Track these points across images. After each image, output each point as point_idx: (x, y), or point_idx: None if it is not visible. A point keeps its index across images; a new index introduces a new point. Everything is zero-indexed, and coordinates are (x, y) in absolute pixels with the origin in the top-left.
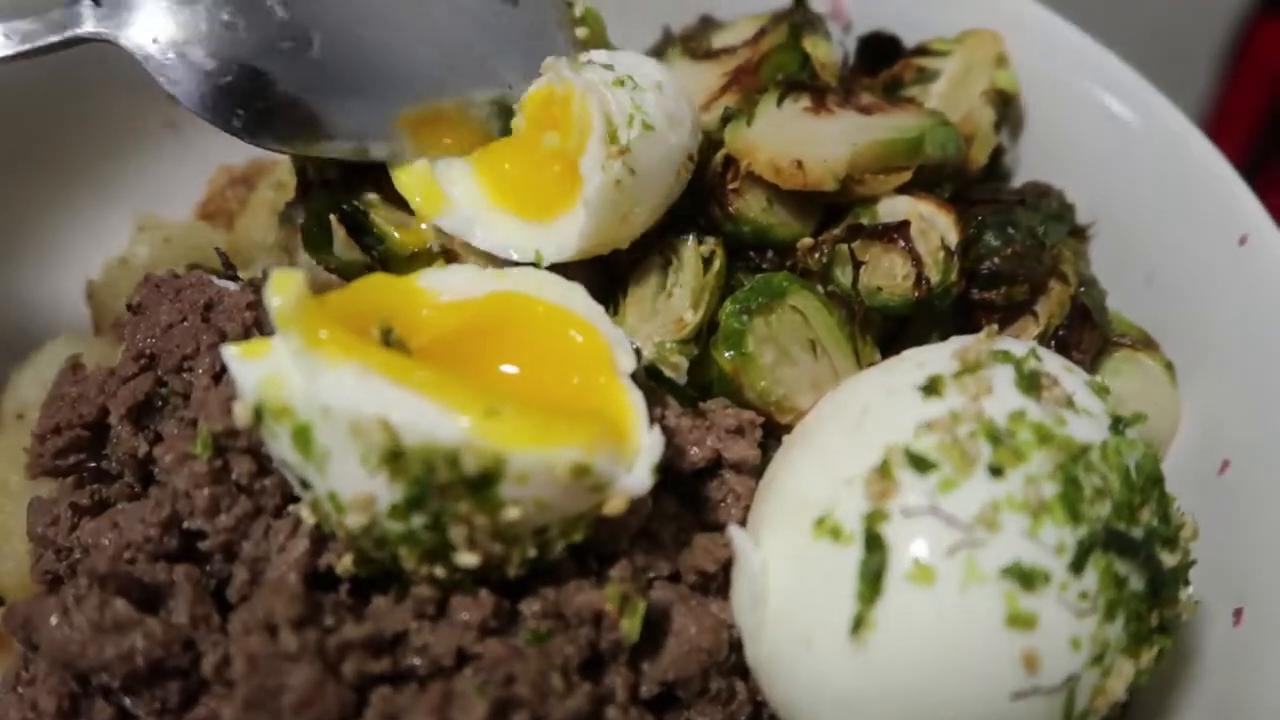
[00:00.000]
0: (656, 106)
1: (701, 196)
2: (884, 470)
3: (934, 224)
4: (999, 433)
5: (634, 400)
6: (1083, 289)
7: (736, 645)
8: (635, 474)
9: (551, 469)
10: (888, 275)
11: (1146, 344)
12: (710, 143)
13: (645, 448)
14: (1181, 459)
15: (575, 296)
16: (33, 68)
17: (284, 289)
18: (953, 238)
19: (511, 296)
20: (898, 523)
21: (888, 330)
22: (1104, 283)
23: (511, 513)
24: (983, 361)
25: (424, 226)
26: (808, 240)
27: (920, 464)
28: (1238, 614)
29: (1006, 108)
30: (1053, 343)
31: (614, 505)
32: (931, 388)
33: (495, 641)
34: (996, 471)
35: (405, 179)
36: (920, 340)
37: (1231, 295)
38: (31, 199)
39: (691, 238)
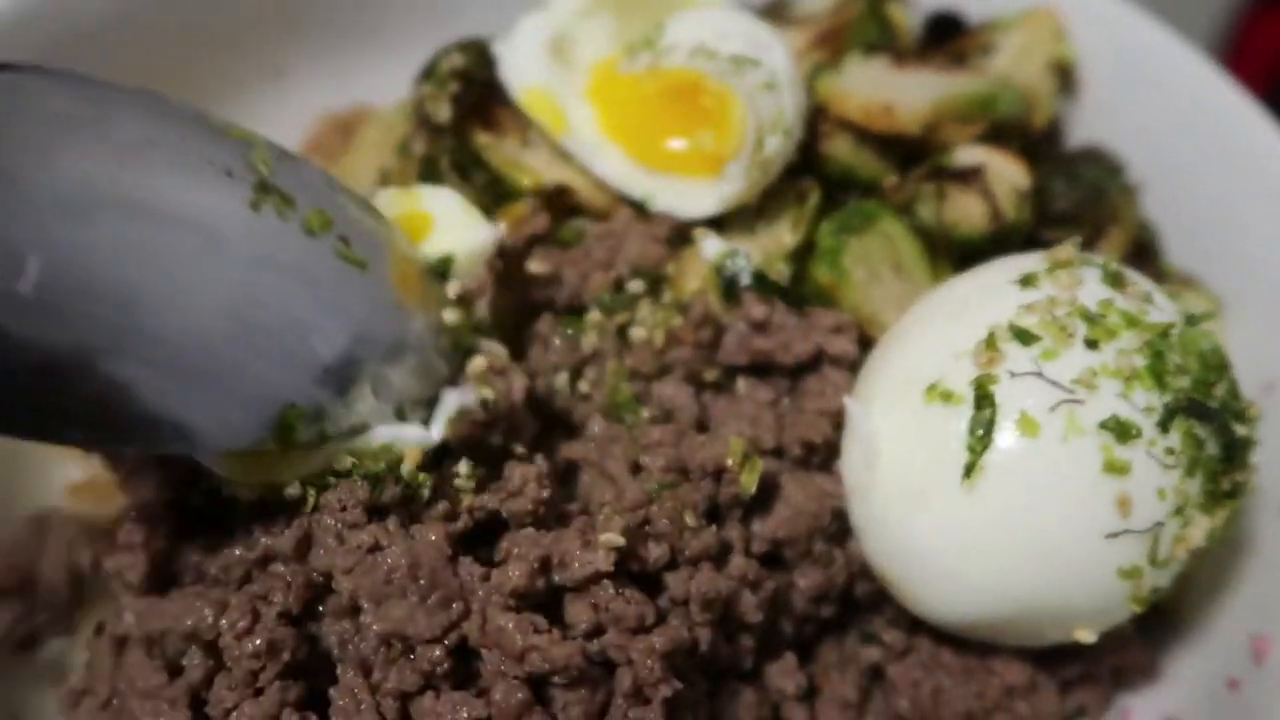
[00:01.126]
0: (793, 106)
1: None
2: (990, 343)
3: (1004, 173)
4: (1091, 315)
5: None
6: (1141, 230)
7: (838, 514)
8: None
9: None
10: (964, 212)
11: (1191, 284)
12: None
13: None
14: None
15: None
16: (140, 18)
17: None
18: (1024, 183)
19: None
20: (1005, 384)
21: (962, 267)
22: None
23: None
24: (1072, 261)
25: (533, 162)
26: (893, 179)
27: (1024, 337)
28: None
29: (1066, 77)
30: None
31: (411, 457)
32: (1028, 280)
33: (631, 482)
34: (1092, 344)
35: (531, 101)
36: None
37: (1271, 234)
38: None
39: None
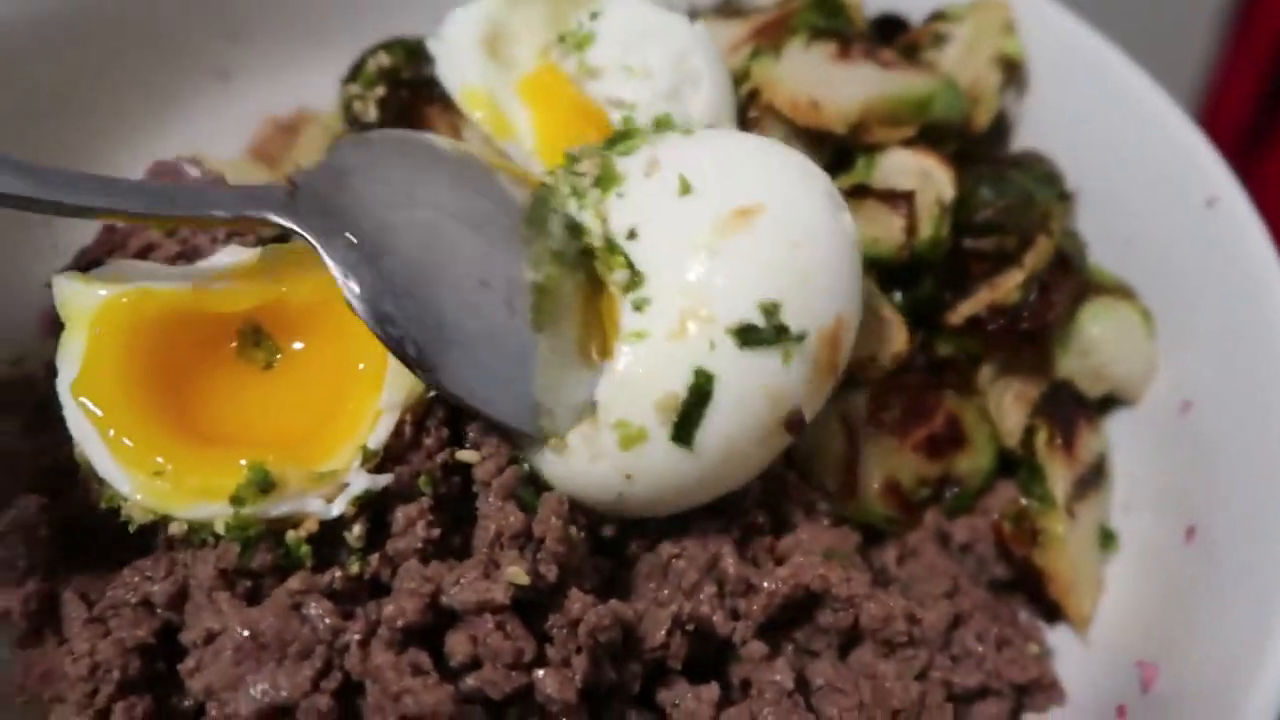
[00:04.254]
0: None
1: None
2: None
3: (933, 179)
4: None
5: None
6: (1065, 239)
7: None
8: (334, 503)
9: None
10: (886, 229)
11: (1125, 294)
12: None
13: (351, 482)
14: (1152, 400)
15: None
16: (86, 19)
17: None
18: (949, 194)
19: None
20: None
21: (888, 271)
22: (1087, 243)
23: None
24: None
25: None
26: None
27: None
28: (1190, 532)
29: (1011, 73)
30: (1036, 286)
31: (306, 526)
32: None
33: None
34: None
35: (471, 100)
36: (915, 282)
37: (1200, 251)
38: (80, 140)
39: None
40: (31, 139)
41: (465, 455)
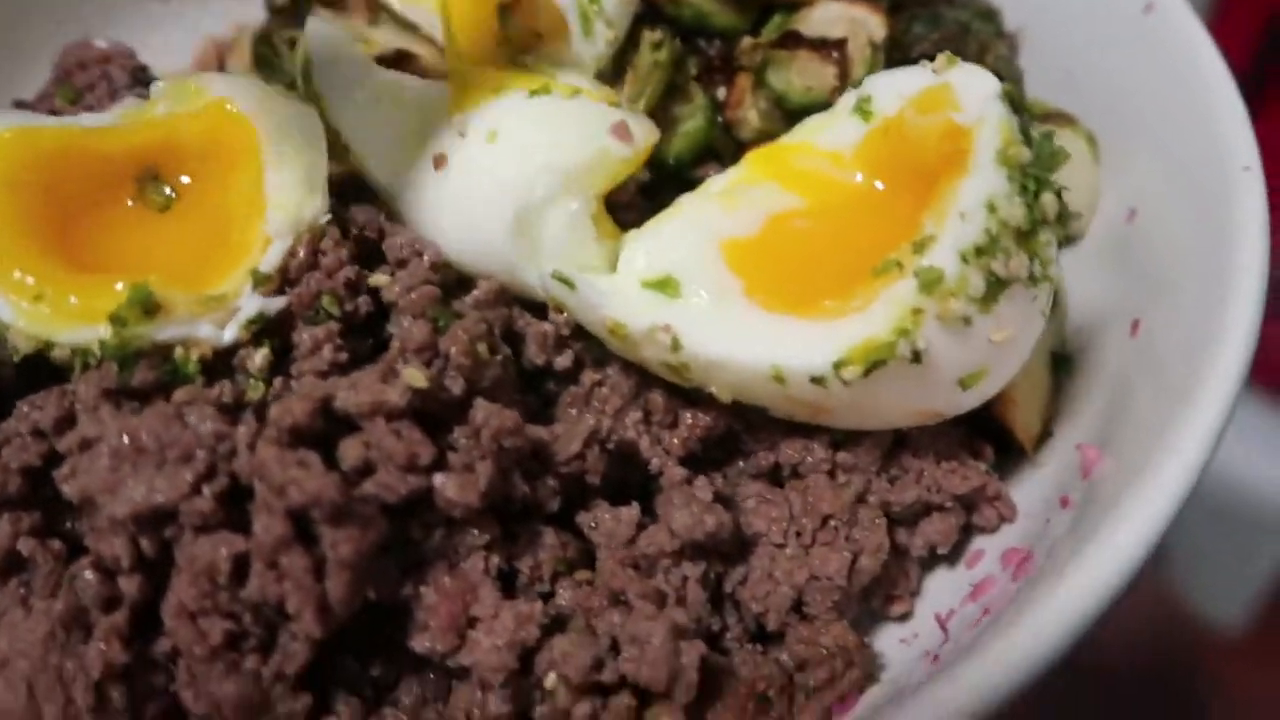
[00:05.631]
0: None
1: None
2: None
3: (865, 25)
4: None
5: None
6: (1002, 67)
7: None
8: (226, 329)
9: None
10: (818, 77)
11: (1067, 121)
12: None
13: (243, 306)
14: (1099, 215)
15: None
16: None
17: None
18: (881, 34)
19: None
20: None
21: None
22: (1029, 83)
23: None
24: None
25: (379, 38)
26: (749, 40)
27: None
28: (1134, 325)
29: None
30: None
31: (198, 349)
32: None
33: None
34: None
35: None
36: None
37: (1141, 58)
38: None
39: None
40: None
41: (376, 279)
